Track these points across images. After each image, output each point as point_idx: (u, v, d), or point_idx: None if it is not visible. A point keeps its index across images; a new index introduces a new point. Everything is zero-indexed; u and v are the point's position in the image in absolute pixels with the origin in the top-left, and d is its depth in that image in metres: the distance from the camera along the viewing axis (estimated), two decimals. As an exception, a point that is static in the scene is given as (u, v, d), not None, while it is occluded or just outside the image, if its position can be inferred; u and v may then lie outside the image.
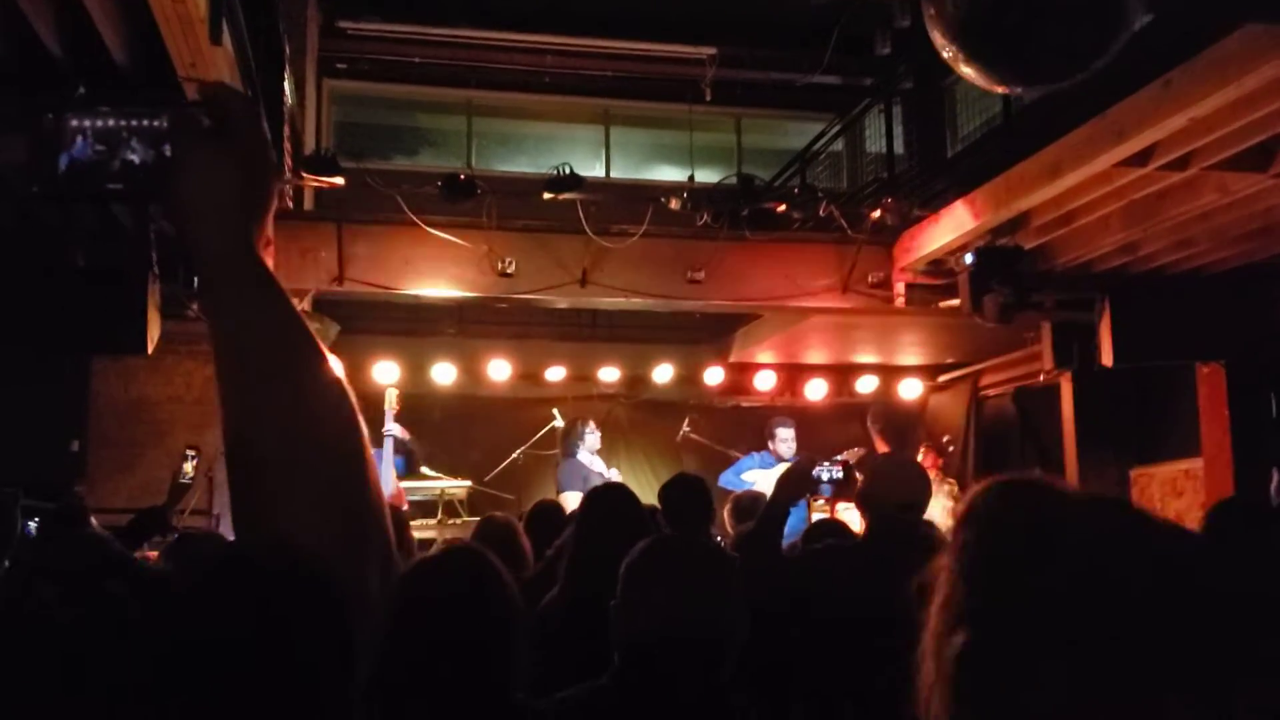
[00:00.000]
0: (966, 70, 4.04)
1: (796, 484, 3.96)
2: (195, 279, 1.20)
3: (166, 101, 1.18)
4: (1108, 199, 6.79)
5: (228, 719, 0.79)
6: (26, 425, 8.23)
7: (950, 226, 7.76)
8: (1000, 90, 5.08)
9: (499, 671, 2.07)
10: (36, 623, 0.80)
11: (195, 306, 6.85)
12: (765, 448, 9.48)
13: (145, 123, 1.15)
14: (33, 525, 7.04)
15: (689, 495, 4.53)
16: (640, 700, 2.12)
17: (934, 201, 8.09)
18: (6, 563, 3.30)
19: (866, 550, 3.60)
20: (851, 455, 8.76)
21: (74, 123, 1.15)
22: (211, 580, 0.90)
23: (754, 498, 6.24)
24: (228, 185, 1.08)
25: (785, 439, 9.27)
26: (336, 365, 1.13)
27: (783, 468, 7.95)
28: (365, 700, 0.93)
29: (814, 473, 4.17)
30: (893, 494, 3.55)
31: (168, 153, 1.14)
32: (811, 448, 9.07)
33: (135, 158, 1.15)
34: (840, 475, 4.39)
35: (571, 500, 7.95)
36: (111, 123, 1.15)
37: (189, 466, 6.73)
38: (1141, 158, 6.05)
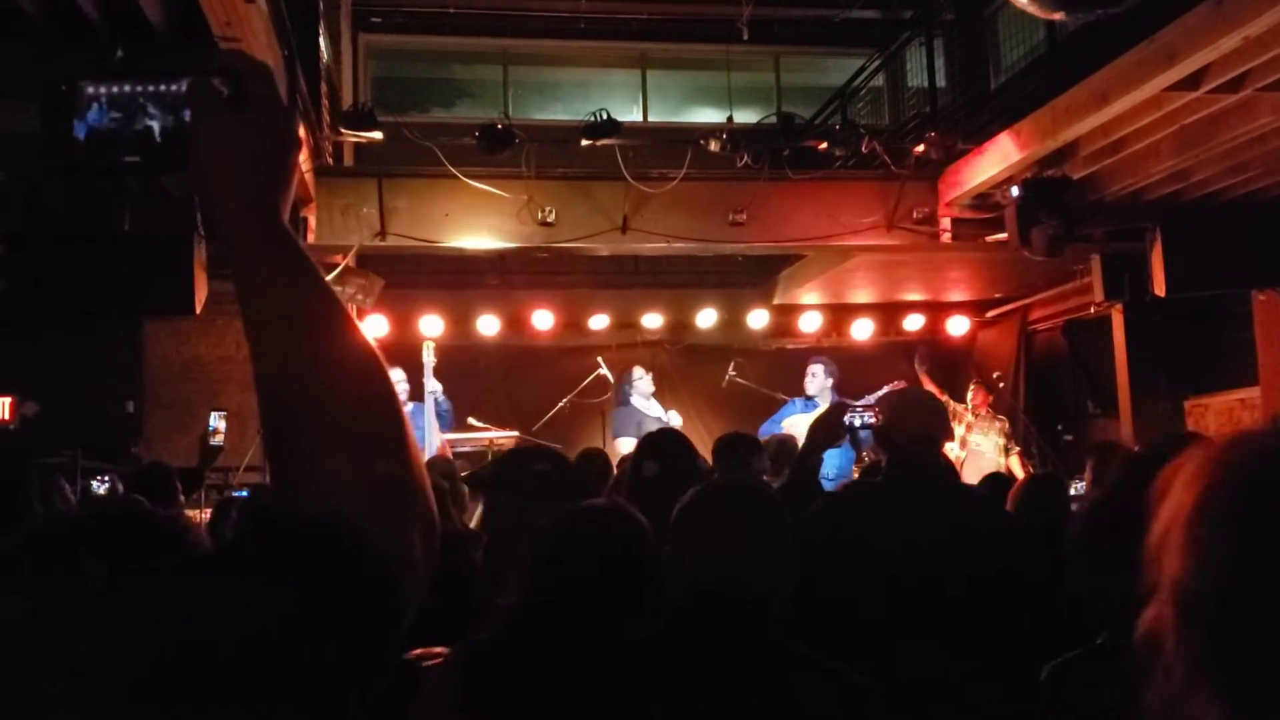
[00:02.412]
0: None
1: (828, 432, 3.96)
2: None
3: (184, 68, 1.14)
4: (1158, 125, 6.63)
5: (272, 694, 0.79)
6: (83, 389, 8.38)
7: (996, 159, 7.62)
8: (1055, 17, 4.94)
9: (622, 620, 2.12)
10: (78, 600, 0.80)
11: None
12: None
13: (163, 88, 1.12)
14: (97, 484, 7.21)
15: (733, 442, 4.51)
16: (693, 644, 2.13)
17: (978, 134, 7.95)
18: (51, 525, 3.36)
19: (885, 487, 3.58)
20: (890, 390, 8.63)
21: (89, 90, 1.12)
22: (252, 554, 0.90)
23: (780, 441, 6.20)
24: (247, 154, 1.07)
25: (813, 374, 9.13)
26: (371, 327, 1.12)
27: (821, 410, 7.95)
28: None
29: (846, 419, 4.14)
30: (908, 429, 3.51)
31: (186, 118, 1.11)
32: (859, 388, 9.02)
33: (153, 125, 1.12)
34: (873, 420, 4.34)
35: (624, 446, 7.97)
36: (128, 89, 1.12)
37: (218, 426, 6.82)
38: (1193, 81, 5.90)
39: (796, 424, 8.57)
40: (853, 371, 9.87)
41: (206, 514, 5.62)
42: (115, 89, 1.12)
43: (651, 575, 2.21)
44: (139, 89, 1.12)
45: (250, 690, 0.78)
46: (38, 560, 0.85)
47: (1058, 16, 5.11)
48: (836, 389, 8.92)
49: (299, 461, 1.03)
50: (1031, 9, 4.19)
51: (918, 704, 2.80)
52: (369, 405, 1.05)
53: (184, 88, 1.11)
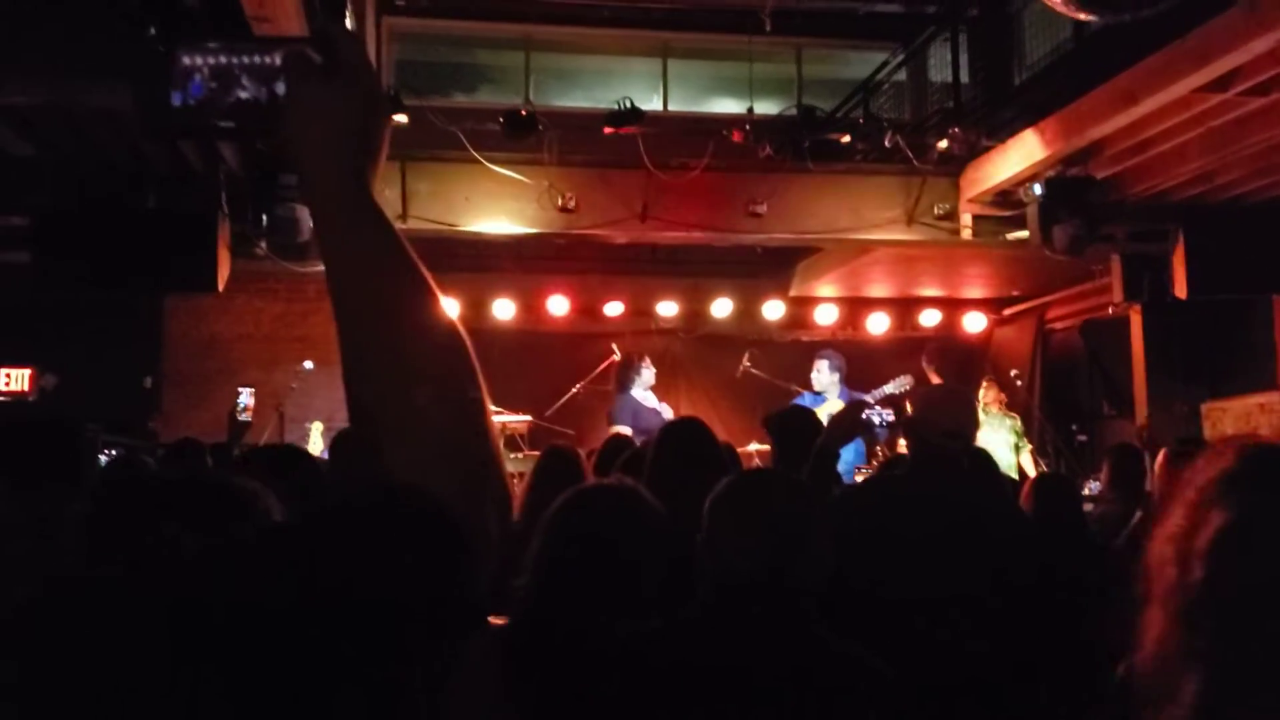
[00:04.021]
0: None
1: (846, 428, 3.96)
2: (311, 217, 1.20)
3: (278, 40, 1.17)
4: (1185, 126, 6.61)
5: (350, 664, 0.80)
6: (103, 363, 8.42)
7: (1019, 156, 7.60)
8: (1085, 18, 4.91)
9: (641, 594, 2.14)
10: (167, 563, 0.81)
11: (264, 245, 6.93)
12: None
13: (257, 59, 1.14)
14: (103, 457, 7.25)
15: (802, 427, 4.51)
16: (726, 634, 2.14)
17: (1001, 131, 7.93)
18: (87, 496, 3.36)
19: (911, 480, 3.57)
20: (898, 385, 8.60)
21: (186, 60, 1.13)
22: (330, 525, 0.91)
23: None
24: (340, 123, 1.08)
25: (819, 369, 9.10)
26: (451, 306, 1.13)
27: (829, 404, 7.94)
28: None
29: (864, 416, 4.14)
30: (938, 423, 3.51)
31: (279, 90, 1.13)
32: (872, 382, 9.00)
33: (248, 95, 1.14)
34: (892, 418, 4.36)
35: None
36: (224, 60, 1.14)
37: (247, 402, 6.84)
38: (1223, 83, 5.88)
39: None
40: (867, 365, 9.84)
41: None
42: (211, 60, 1.13)
43: (664, 552, 2.23)
44: (234, 60, 1.13)
45: (327, 660, 0.79)
46: (129, 527, 0.86)
47: (1088, 17, 5.07)
48: (845, 383, 8.88)
49: (378, 434, 1.05)
50: (1063, 9, 4.16)
51: (942, 698, 2.81)
52: (451, 383, 1.06)
53: (278, 60, 1.13)
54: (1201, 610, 0.88)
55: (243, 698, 0.73)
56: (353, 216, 1.08)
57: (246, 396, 6.28)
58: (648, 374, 9.10)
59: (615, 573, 2.17)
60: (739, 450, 7.44)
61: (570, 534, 2.20)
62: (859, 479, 7.02)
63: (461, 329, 1.11)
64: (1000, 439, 9.32)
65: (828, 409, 7.83)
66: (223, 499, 1.26)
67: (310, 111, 1.08)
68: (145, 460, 4.29)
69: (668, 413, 8.78)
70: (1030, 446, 9.44)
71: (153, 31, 4.36)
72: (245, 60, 1.14)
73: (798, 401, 9.26)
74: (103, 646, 0.73)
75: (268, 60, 1.14)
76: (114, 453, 7.29)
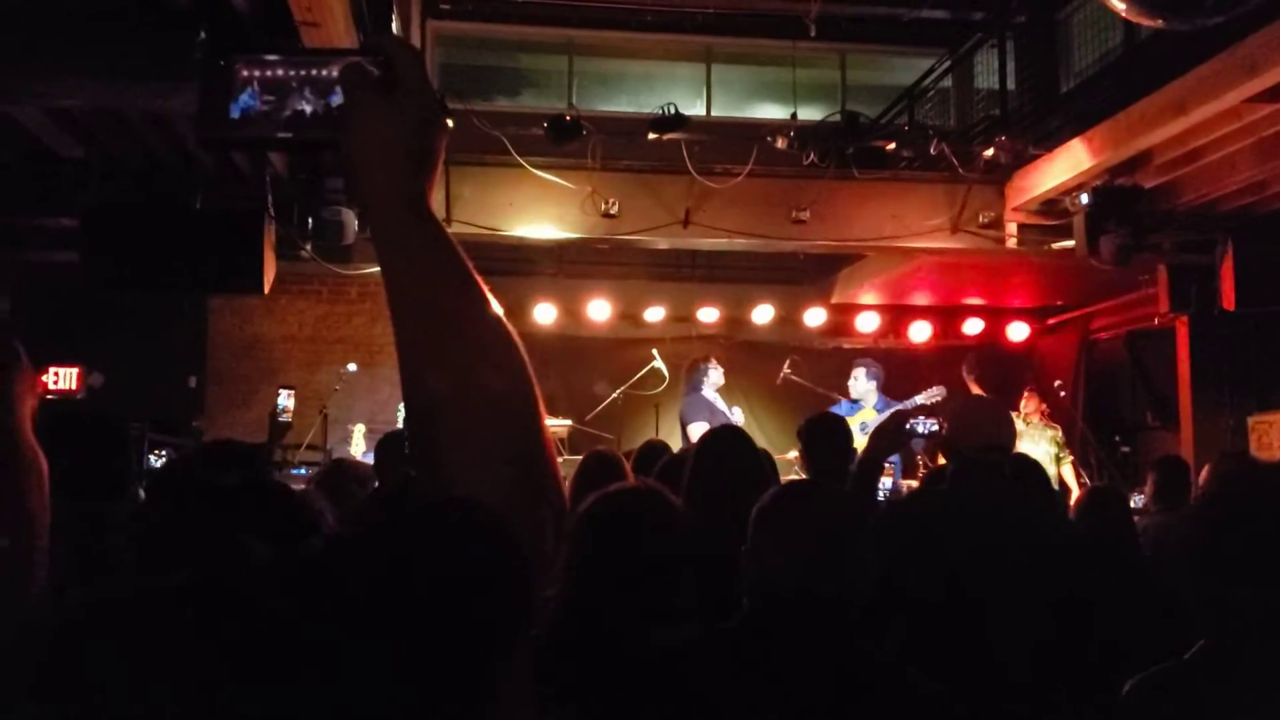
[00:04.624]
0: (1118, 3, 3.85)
1: (890, 439, 3.95)
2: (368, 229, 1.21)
3: (336, 52, 1.17)
4: (1236, 136, 6.52)
5: (409, 675, 0.80)
6: (149, 363, 8.53)
7: (1066, 165, 7.53)
8: (1154, 24, 4.83)
9: (669, 603, 2.14)
10: (249, 579, 0.81)
11: (308, 248, 7.00)
12: None
13: (315, 72, 1.14)
14: (154, 458, 7.34)
15: (830, 435, 4.50)
16: (768, 646, 2.13)
17: (1048, 140, 7.86)
18: (139, 492, 3.40)
19: (950, 494, 3.54)
20: (929, 396, 8.53)
21: (244, 72, 1.14)
22: (387, 536, 0.91)
23: None
24: (397, 136, 1.08)
25: (855, 377, 9.02)
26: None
27: (864, 413, 7.89)
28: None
29: (909, 425, 4.13)
30: (976, 436, 3.48)
31: (335, 103, 1.13)
32: (914, 391, 8.93)
33: (305, 108, 1.14)
34: (935, 428, 4.33)
35: (698, 432, 7.96)
36: (281, 72, 1.15)
37: (286, 404, 6.90)
38: (1274, 93, 5.80)
39: None
40: (908, 374, 9.77)
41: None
42: (269, 73, 1.14)
43: (690, 554, 2.22)
44: (292, 73, 1.14)
45: (384, 672, 0.80)
46: (199, 535, 0.87)
47: (1153, 23, 4.97)
48: (883, 391, 8.81)
49: (435, 444, 1.05)
50: (1128, 15, 4.10)
51: (981, 713, 2.79)
52: (508, 394, 1.07)
53: (335, 72, 1.13)
54: None
55: (305, 711, 0.74)
56: (409, 229, 1.09)
57: (286, 398, 6.34)
58: (715, 374, 9.06)
59: (643, 578, 2.16)
60: (778, 458, 7.44)
61: (595, 541, 2.18)
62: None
63: (517, 339, 1.11)
64: (1040, 450, 9.21)
65: (862, 417, 7.79)
66: (288, 508, 1.27)
67: (367, 125, 1.09)
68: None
69: (738, 416, 8.77)
70: (1071, 458, 9.33)
71: (203, 36, 4.41)
72: (303, 73, 1.15)
73: (833, 409, 9.21)
74: (165, 657, 0.73)
75: (325, 73, 1.14)
76: (164, 453, 7.39)
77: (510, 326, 1.12)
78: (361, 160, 1.09)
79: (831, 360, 10.96)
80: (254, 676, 0.73)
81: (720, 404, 8.78)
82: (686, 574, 2.19)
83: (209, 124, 1.15)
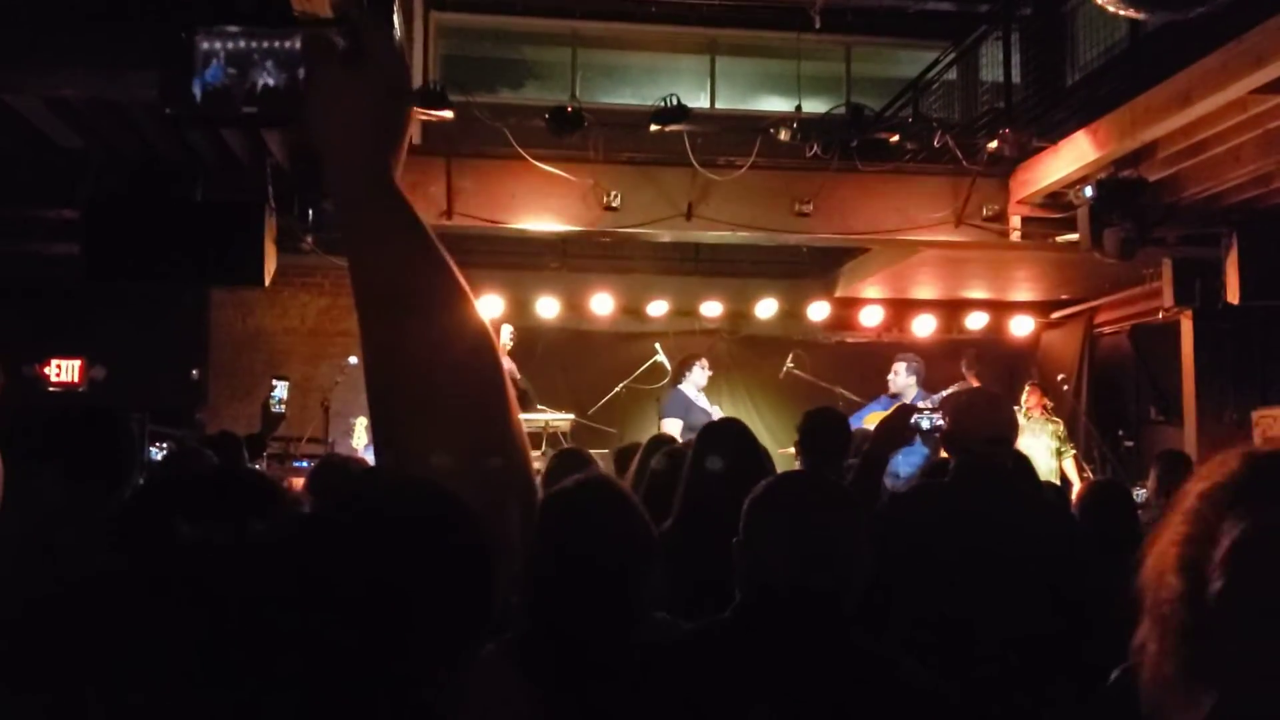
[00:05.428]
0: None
1: (892, 434, 3.92)
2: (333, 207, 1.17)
3: (300, 22, 1.12)
4: (1241, 128, 6.48)
5: (362, 663, 0.79)
6: (151, 355, 8.52)
7: (1070, 158, 7.49)
8: (1137, 16, 4.81)
9: (630, 602, 2.10)
10: (172, 562, 0.80)
11: (311, 240, 6.98)
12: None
13: (277, 44, 1.10)
14: (156, 451, 7.33)
15: (827, 429, 4.48)
16: (764, 638, 2.11)
17: (1053, 132, 7.82)
18: (141, 481, 3.39)
19: (951, 489, 3.51)
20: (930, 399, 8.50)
21: (205, 45, 1.10)
22: (344, 521, 0.89)
23: (864, 436, 6.14)
24: (362, 109, 1.05)
25: (896, 371, 8.96)
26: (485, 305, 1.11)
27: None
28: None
29: (913, 420, 4.09)
30: (978, 430, 3.45)
31: (301, 76, 1.09)
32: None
33: (268, 81, 1.10)
34: (942, 422, 4.28)
35: (668, 427, 7.95)
36: (243, 44, 1.10)
37: (280, 395, 6.88)
38: (1280, 84, 5.76)
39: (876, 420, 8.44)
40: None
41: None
42: (231, 45, 1.10)
43: (649, 553, 2.17)
44: (254, 45, 1.10)
45: (339, 658, 0.78)
46: (139, 520, 0.86)
47: (1139, 16, 4.95)
48: (924, 386, 8.74)
49: (400, 430, 1.02)
50: (1116, 8, 4.08)
51: (980, 705, 2.77)
52: (476, 380, 1.03)
53: (298, 44, 1.09)
54: (1220, 623, 0.85)
55: (251, 691, 0.72)
56: (375, 206, 1.05)
57: (281, 389, 6.32)
58: (700, 374, 9.06)
59: (591, 577, 2.09)
60: (781, 452, 7.42)
61: (543, 541, 2.07)
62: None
63: (490, 327, 1.08)
64: (1041, 444, 9.18)
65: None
66: (253, 494, 1.26)
67: (330, 97, 1.05)
68: (207, 454, 4.30)
69: (717, 414, 8.76)
70: (1074, 452, 9.30)
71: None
72: (266, 45, 1.10)
73: (871, 405, 9.15)
74: (118, 639, 0.72)
75: (288, 44, 1.09)
76: (166, 445, 7.38)
77: (481, 314, 1.08)
78: (325, 135, 1.06)
79: (835, 354, 10.94)
80: (178, 655, 0.72)
81: (701, 401, 8.77)
82: (639, 568, 2.13)
83: (171, 99, 1.11)
